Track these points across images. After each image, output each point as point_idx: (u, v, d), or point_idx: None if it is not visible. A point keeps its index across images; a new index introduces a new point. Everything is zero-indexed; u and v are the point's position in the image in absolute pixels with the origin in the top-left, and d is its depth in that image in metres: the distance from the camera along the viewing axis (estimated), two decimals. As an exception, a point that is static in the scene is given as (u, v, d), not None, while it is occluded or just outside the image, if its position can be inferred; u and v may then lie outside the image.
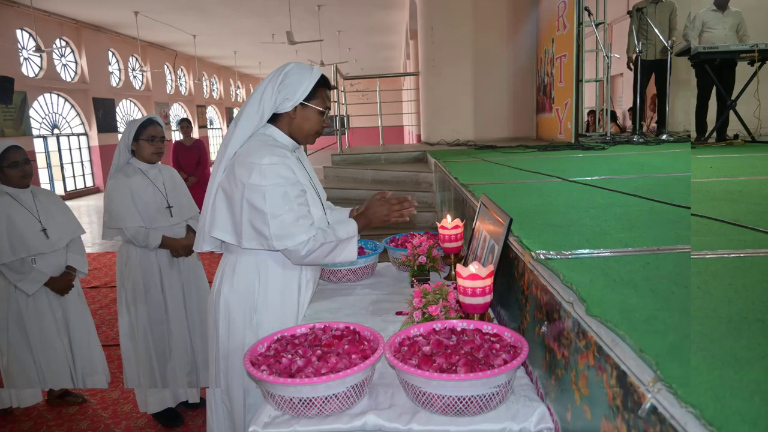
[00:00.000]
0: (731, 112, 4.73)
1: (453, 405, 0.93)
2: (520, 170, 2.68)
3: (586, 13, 4.59)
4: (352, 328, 1.19)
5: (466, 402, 0.92)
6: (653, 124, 6.06)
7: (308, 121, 1.47)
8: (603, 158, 3.19)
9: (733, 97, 4.70)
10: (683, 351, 0.61)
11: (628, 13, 5.25)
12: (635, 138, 4.47)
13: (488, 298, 1.17)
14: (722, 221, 1.34)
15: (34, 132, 10.63)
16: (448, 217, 1.63)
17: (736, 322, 0.71)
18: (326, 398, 0.99)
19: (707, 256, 1.04)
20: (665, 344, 0.63)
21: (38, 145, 10.85)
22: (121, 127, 14.04)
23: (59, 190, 11.63)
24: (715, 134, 4.84)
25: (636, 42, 4.77)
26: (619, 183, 2.02)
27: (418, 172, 4.35)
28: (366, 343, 1.13)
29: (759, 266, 0.97)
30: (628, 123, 6.91)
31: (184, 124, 5.67)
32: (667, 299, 0.79)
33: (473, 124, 6.23)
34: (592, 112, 6.72)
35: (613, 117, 7.01)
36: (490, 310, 1.25)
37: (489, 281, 1.15)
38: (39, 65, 11.03)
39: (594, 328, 0.73)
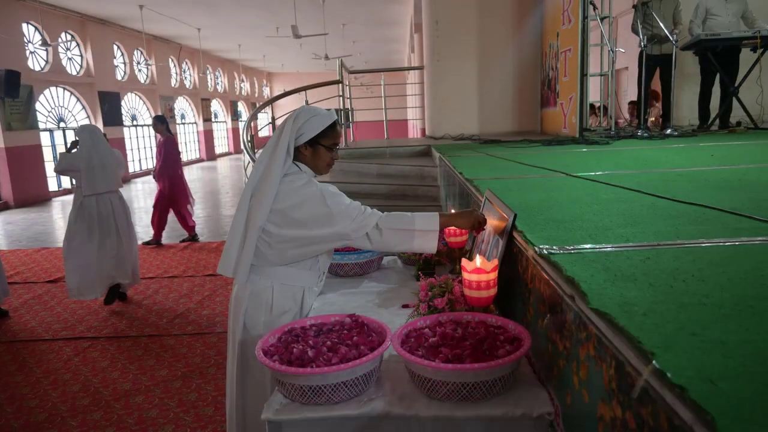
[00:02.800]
0: (734, 99, 4.73)
1: (457, 391, 0.97)
2: (524, 165, 2.70)
3: (591, 7, 4.58)
4: (360, 320, 1.23)
5: (470, 388, 0.96)
6: (652, 119, 6.05)
7: (320, 158, 1.58)
8: (607, 153, 3.21)
9: (737, 83, 4.69)
10: (678, 342, 0.65)
11: (633, 7, 5.23)
12: (640, 132, 4.48)
13: (492, 292, 1.20)
14: (720, 210, 1.36)
15: (41, 125, 10.69)
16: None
17: (727, 309, 0.74)
18: (335, 386, 1.03)
19: (703, 245, 1.07)
20: (661, 336, 0.66)
21: (44, 138, 10.92)
22: (127, 121, 14.05)
23: (66, 183, 11.71)
24: (717, 121, 4.84)
25: (641, 36, 4.76)
26: (623, 178, 2.05)
27: (423, 167, 4.36)
28: (374, 334, 1.17)
29: (753, 254, 1.00)
30: (626, 116, 6.90)
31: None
32: (665, 293, 0.82)
33: (478, 118, 6.23)
34: (592, 107, 6.70)
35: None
36: (492, 304, 1.28)
37: (493, 275, 1.19)
38: (45, 59, 11.07)
39: (594, 321, 0.77)
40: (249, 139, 5.19)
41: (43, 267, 5.27)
